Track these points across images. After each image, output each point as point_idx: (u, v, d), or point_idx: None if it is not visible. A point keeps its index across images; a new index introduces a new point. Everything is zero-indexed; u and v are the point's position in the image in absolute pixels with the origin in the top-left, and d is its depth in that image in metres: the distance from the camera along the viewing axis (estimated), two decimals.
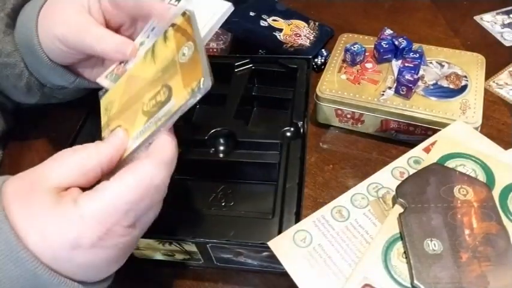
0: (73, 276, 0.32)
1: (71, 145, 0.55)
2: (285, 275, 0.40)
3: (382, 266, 0.39)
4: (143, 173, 0.33)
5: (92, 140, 0.55)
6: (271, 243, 0.42)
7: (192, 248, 0.46)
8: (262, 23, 0.73)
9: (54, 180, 0.32)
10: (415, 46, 0.61)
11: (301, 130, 0.52)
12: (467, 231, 0.39)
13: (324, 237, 0.42)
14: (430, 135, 0.50)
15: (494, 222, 0.40)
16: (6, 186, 0.32)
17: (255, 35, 0.71)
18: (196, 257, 0.48)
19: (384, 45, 0.60)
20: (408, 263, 0.39)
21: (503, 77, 0.67)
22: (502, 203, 0.42)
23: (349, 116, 0.59)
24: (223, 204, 0.53)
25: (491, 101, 0.63)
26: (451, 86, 0.57)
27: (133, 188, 0.32)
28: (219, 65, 0.63)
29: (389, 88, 0.57)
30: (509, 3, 0.79)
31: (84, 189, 0.33)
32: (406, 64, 0.57)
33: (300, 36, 0.73)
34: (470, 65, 0.60)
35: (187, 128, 0.55)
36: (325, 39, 0.74)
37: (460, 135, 0.49)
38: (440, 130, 0.51)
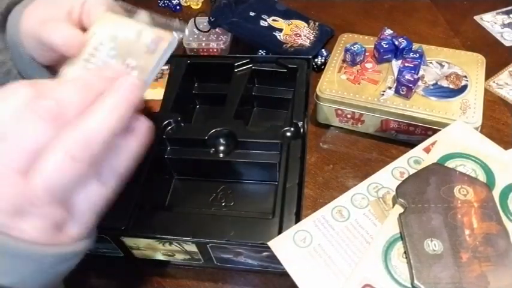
0: None
1: None
2: (285, 275, 0.40)
3: (382, 266, 0.39)
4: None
5: None
6: (271, 243, 0.42)
7: (192, 248, 0.46)
8: (262, 23, 0.73)
9: None
10: (415, 46, 0.61)
11: (301, 130, 0.52)
12: (467, 231, 0.39)
13: (324, 237, 0.42)
14: (430, 135, 0.50)
15: (495, 222, 0.40)
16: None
17: (255, 35, 0.71)
18: (196, 257, 0.48)
19: (384, 45, 0.60)
20: (408, 263, 0.39)
21: (503, 77, 0.67)
22: (502, 203, 0.42)
23: (349, 116, 0.59)
24: (223, 204, 0.53)
25: (491, 101, 0.63)
26: (451, 86, 0.57)
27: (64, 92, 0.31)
28: (219, 65, 0.63)
29: (390, 88, 0.57)
30: (509, 3, 0.79)
31: None
32: (406, 64, 0.57)
33: (300, 36, 0.73)
34: (470, 65, 0.60)
35: (187, 128, 0.55)
36: (325, 39, 0.74)
37: (460, 135, 0.49)
38: (440, 130, 0.51)
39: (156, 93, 0.62)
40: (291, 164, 0.49)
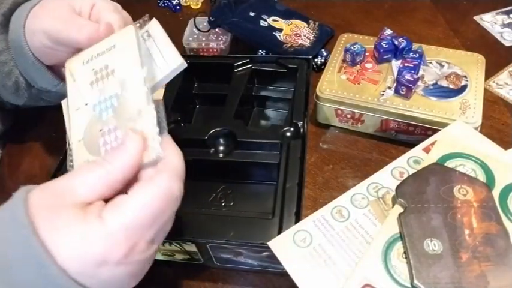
0: None
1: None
2: (285, 275, 0.41)
3: (382, 266, 0.39)
4: (164, 186, 0.33)
5: None
6: (271, 243, 0.42)
7: (192, 248, 0.46)
8: (262, 23, 0.73)
9: (80, 196, 0.32)
10: (415, 46, 0.61)
11: (301, 130, 0.52)
12: (467, 231, 0.39)
13: (324, 237, 0.42)
14: (430, 135, 0.50)
15: (494, 222, 0.40)
16: (31, 198, 0.32)
17: (255, 35, 0.71)
18: (196, 257, 0.48)
19: (384, 45, 0.60)
20: (408, 263, 0.39)
21: (503, 77, 0.67)
22: (502, 203, 0.42)
23: (349, 116, 0.59)
24: (223, 204, 0.53)
25: (491, 101, 0.63)
26: (451, 86, 0.57)
27: (156, 201, 0.32)
28: (219, 65, 0.63)
29: (389, 88, 0.57)
30: (509, 3, 0.79)
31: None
32: (406, 64, 0.57)
33: (300, 36, 0.73)
34: (470, 65, 0.60)
35: (187, 128, 0.55)
36: (325, 39, 0.74)
37: (460, 135, 0.49)
38: (440, 130, 0.51)
39: (156, 93, 0.62)
40: (290, 164, 0.49)
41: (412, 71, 0.56)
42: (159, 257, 0.49)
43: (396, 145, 0.59)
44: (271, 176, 0.51)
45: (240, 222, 0.46)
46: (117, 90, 0.37)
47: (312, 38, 0.73)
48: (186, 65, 0.38)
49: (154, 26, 0.41)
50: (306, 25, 0.75)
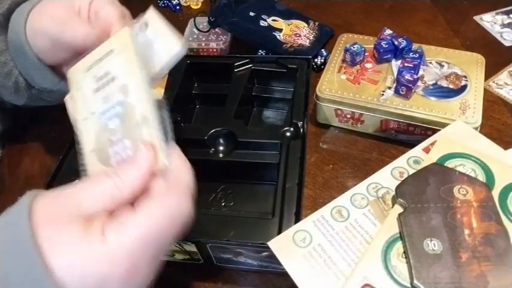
0: None
1: (70, 146, 0.55)
2: (285, 275, 0.41)
3: (382, 266, 0.39)
4: (172, 206, 0.32)
5: None
6: (271, 243, 0.42)
7: (192, 248, 0.46)
8: (262, 23, 0.73)
9: (85, 208, 0.31)
10: (415, 46, 0.61)
11: (301, 130, 0.52)
12: (467, 231, 0.39)
13: (324, 237, 0.42)
14: (429, 135, 0.51)
15: (494, 222, 0.40)
16: (36, 206, 0.31)
17: (255, 35, 0.71)
18: (196, 257, 0.48)
19: (384, 45, 0.60)
20: (408, 263, 0.39)
21: (503, 77, 0.67)
22: (501, 203, 0.42)
23: (349, 116, 0.59)
24: (223, 204, 0.53)
25: (491, 101, 0.63)
26: (451, 86, 0.57)
27: (162, 222, 0.31)
28: (218, 65, 0.63)
29: (389, 88, 0.57)
30: (509, 3, 0.79)
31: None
32: (406, 64, 0.57)
33: (299, 36, 0.73)
34: (470, 65, 0.60)
35: (187, 128, 0.55)
36: (325, 39, 0.74)
37: (459, 135, 0.49)
38: (440, 130, 0.51)
39: (156, 93, 0.62)
40: (290, 164, 0.49)
41: (412, 71, 0.56)
42: None
43: (396, 145, 0.59)
44: (271, 176, 0.51)
45: (240, 222, 0.46)
46: (121, 97, 0.36)
47: (312, 38, 0.73)
48: (185, 49, 0.37)
49: (151, 15, 0.40)
50: (306, 25, 0.75)
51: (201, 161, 0.53)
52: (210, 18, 0.70)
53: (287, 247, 0.42)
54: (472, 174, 0.44)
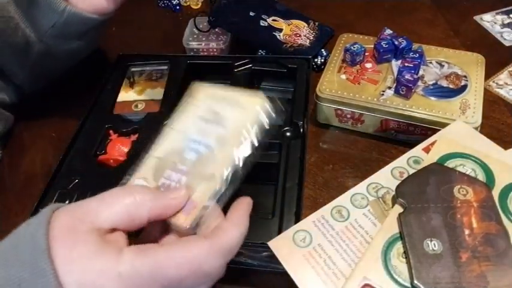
0: None
1: (70, 146, 0.55)
2: (285, 275, 0.40)
3: (382, 266, 0.39)
4: (194, 255, 0.32)
5: (91, 140, 0.55)
6: (271, 243, 0.42)
7: None
8: (262, 23, 0.73)
9: (101, 222, 0.32)
10: (415, 46, 0.61)
11: (301, 130, 0.52)
12: (467, 231, 0.39)
13: (324, 237, 0.42)
14: (429, 135, 0.50)
15: (494, 222, 0.40)
16: (55, 220, 0.31)
17: (255, 35, 0.71)
18: None
19: (384, 45, 0.60)
20: (408, 263, 0.39)
21: (503, 77, 0.67)
22: (501, 203, 0.42)
23: (349, 116, 0.59)
24: None
25: (491, 101, 0.63)
26: (451, 86, 0.57)
27: (178, 266, 0.31)
28: (218, 65, 0.63)
29: (389, 88, 0.57)
30: (509, 3, 0.79)
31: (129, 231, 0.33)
32: (406, 64, 0.57)
33: (300, 36, 0.73)
34: (470, 65, 0.60)
35: None
36: (325, 39, 0.74)
37: (459, 135, 0.49)
38: (440, 130, 0.51)
39: (156, 93, 0.62)
40: (290, 164, 0.49)
41: (412, 71, 0.56)
42: None
43: (396, 145, 0.59)
44: (271, 176, 0.51)
45: None
46: (212, 143, 0.37)
47: (312, 38, 0.73)
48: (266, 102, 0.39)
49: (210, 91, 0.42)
50: (306, 25, 0.75)
51: None
52: (210, 18, 0.70)
53: (287, 247, 0.42)
54: (472, 174, 0.44)
